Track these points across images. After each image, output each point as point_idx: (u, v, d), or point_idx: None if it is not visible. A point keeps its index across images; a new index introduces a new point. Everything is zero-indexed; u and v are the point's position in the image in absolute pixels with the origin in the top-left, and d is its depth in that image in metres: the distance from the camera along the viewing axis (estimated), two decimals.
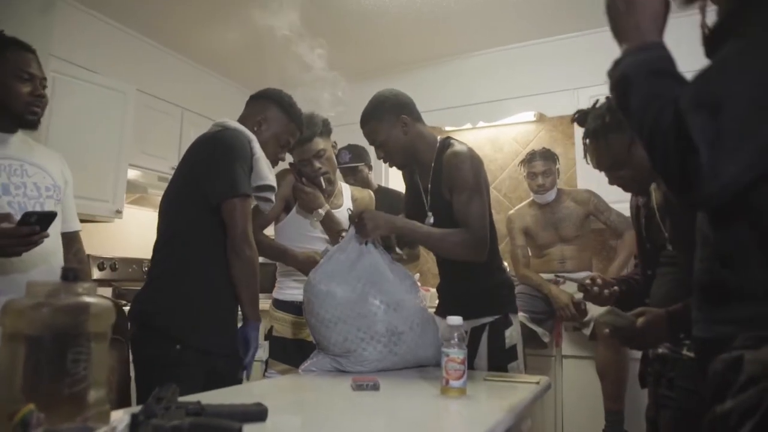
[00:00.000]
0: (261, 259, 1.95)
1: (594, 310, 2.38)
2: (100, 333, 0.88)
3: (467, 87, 3.50)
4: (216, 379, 1.42)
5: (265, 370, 1.99)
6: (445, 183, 1.68)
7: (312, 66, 2.01)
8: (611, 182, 1.43)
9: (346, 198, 2.18)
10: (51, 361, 0.78)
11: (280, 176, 2.05)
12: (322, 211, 1.97)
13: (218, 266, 1.51)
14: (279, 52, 2.02)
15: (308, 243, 2.03)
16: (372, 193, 2.34)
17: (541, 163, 2.82)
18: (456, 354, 1.27)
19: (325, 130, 2.04)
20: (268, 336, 2.03)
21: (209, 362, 1.47)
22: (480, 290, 1.72)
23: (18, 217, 1.39)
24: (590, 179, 3.00)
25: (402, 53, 3.59)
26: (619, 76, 0.81)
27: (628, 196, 2.84)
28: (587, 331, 2.56)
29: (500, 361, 1.66)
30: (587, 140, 1.43)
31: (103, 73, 3.03)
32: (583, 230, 2.83)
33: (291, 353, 1.96)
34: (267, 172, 1.61)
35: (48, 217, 1.40)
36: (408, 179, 1.89)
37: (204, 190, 1.52)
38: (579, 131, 3.09)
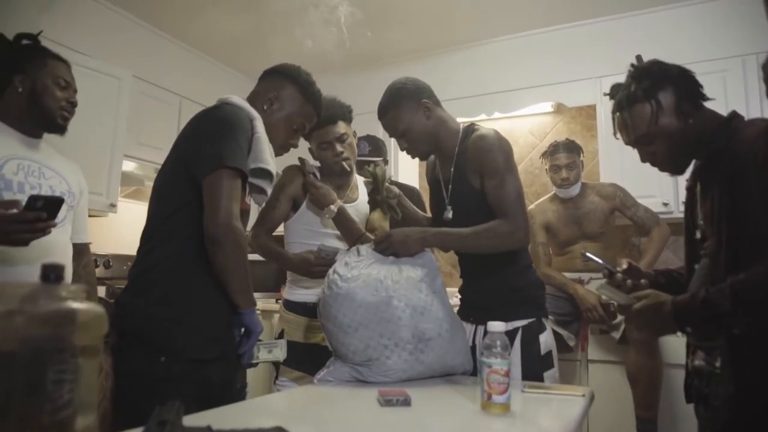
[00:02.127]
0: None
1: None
2: (88, 346, 0.73)
3: (482, 76, 3.36)
4: (210, 390, 1.25)
5: (276, 378, 1.82)
6: (471, 169, 1.58)
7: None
8: (643, 159, 1.32)
9: (362, 192, 2.03)
10: (27, 383, 0.64)
11: (287, 173, 1.92)
12: (334, 208, 1.82)
13: (207, 260, 1.28)
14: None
15: (320, 240, 1.87)
16: None
17: (564, 156, 2.67)
18: (499, 365, 1.13)
19: (348, 115, 1.91)
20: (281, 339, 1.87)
21: (201, 371, 1.27)
22: (511, 290, 1.60)
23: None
24: (613, 173, 2.89)
25: (414, 40, 3.46)
26: None
27: (654, 190, 2.79)
28: (616, 335, 2.42)
29: (536, 369, 1.53)
30: (616, 114, 1.32)
31: (97, 58, 2.86)
32: (608, 226, 2.70)
33: (304, 359, 1.80)
34: (267, 156, 1.36)
35: (55, 203, 1.33)
36: (429, 172, 1.79)
37: (191, 170, 1.29)
38: (600, 122, 3.03)
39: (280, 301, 2.04)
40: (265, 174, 1.37)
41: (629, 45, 2.58)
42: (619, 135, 1.33)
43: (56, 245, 1.62)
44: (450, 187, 1.63)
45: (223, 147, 1.25)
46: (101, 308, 0.76)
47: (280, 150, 1.50)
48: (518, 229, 1.49)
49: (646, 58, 1.38)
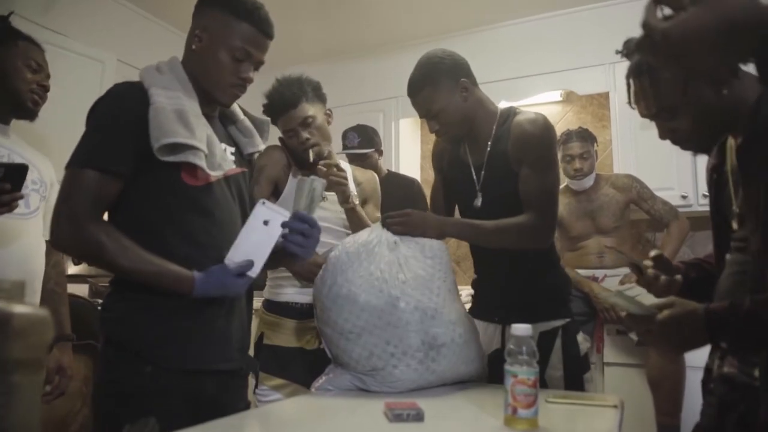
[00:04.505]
0: None
1: None
2: (27, 360, 0.59)
3: (487, 63, 3.17)
4: (203, 406, 1.09)
5: (256, 386, 1.64)
6: (513, 154, 1.45)
7: None
8: (662, 136, 1.10)
9: (348, 179, 1.86)
10: None
11: (268, 153, 1.69)
12: (355, 200, 1.69)
13: (191, 257, 1.11)
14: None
15: None
16: (376, 175, 2.01)
17: (578, 145, 2.53)
18: (526, 374, 0.98)
19: (315, 94, 1.70)
20: (259, 345, 1.70)
21: (195, 384, 1.12)
22: (546, 287, 1.50)
23: None
24: (628, 165, 2.79)
25: (415, 25, 3.31)
26: None
27: (672, 182, 2.64)
28: (635, 336, 2.27)
29: (576, 371, 1.45)
30: (630, 79, 1.09)
31: (78, 40, 2.69)
32: (623, 220, 2.56)
33: (286, 364, 1.64)
34: (172, 127, 1.09)
35: (18, 172, 1.22)
36: (445, 158, 1.65)
37: None
38: (614, 111, 2.88)
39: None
40: (181, 148, 1.09)
41: None
42: (634, 105, 1.11)
43: (28, 237, 1.51)
44: (483, 173, 1.50)
45: (78, 145, 1.11)
46: (44, 312, 0.60)
47: (231, 89, 1.21)
48: (545, 227, 1.42)
49: None
